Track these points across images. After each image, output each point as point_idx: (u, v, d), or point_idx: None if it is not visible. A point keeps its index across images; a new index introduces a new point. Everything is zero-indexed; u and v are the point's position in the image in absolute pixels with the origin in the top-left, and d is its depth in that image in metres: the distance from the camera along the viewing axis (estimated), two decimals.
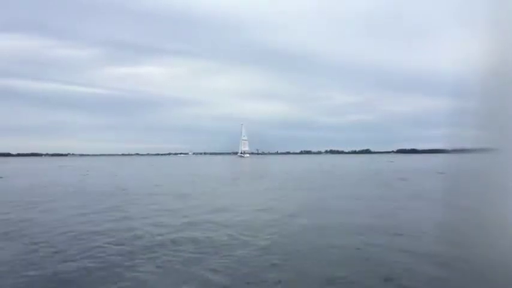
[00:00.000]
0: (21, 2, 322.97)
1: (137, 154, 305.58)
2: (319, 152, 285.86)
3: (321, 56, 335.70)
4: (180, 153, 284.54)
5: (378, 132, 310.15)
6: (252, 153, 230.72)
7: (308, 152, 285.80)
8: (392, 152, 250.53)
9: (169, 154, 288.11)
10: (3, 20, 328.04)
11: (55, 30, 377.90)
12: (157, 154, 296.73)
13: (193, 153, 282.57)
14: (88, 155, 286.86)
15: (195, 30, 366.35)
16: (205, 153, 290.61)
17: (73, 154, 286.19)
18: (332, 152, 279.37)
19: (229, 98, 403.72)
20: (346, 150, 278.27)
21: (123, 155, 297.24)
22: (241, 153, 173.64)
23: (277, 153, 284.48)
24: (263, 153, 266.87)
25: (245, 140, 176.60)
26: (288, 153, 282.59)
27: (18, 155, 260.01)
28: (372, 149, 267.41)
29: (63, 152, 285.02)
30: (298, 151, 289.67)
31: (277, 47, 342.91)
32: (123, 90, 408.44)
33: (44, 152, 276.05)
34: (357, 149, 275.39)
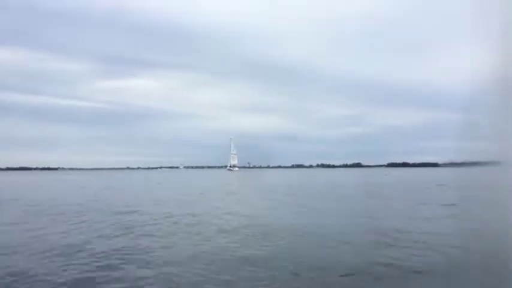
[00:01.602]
0: (11, 15, 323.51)
1: (128, 168, 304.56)
2: (311, 166, 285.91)
3: (314, 70, 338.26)
4: (171, 167, 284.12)
5: (369, 146, 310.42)
6: (244, 167, 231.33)
7: (300, 166, 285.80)
8: (384, 165, 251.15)
9: (160, 168, 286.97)
10: None
11: (46, 43, 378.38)
12: (149, 168, 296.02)
13: (184, 167, 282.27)
14: (79, 169, 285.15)
15: (187, 43, 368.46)
16: (196, 167, 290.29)
17: (63, 168, 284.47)
18: (323, 165, 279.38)
19: (221, 111, 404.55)
20: (338, 164, 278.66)
21: (113, 168, 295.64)
22: (230, 167, 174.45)
23: (268, 166, 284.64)
24: (254, 167, 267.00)
25: (234, 154, 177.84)
26: (280, 166, 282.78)
27: (8, 168, 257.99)
28: (363, 163, 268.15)
29: (53, 166, 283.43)
30: (289, 165, 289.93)
31: (270, 60, 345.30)
32: (114, 103, 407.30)
33: (34, 166, 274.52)
34: (348, 163, 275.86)
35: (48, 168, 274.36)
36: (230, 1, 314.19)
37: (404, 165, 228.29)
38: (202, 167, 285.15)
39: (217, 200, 29.32)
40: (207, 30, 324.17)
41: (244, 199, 31.78)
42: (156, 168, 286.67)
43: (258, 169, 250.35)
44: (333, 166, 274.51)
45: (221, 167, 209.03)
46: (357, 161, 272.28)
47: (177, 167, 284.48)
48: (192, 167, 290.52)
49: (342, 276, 9.02)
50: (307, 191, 41.28)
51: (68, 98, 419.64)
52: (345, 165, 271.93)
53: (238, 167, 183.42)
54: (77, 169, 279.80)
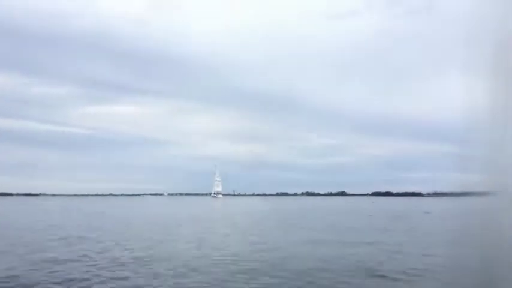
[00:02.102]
0: None
1: (111, 194, 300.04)
2: (296, 194, 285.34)
3: (299, 99, 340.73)
4: (156, 194, 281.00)
5: (353, 175, 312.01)
6: (229, 194, 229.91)
7: (284, 194, 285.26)
8: (368, 194, 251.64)
9: (144, 194, 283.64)
10: None
11: (29, 68, 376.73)
12: (133, 194, 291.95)
13: (168, 194, 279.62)
14: (61, 195, 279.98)
15: (172, 70, 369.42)
16: (180, 194, 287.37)
17: (45, 194, 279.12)
18: (308, 193, 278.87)
19: (205, 138, 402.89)
20: (322, 192, 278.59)
21: (96, 195, 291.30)
22: (214, 193, 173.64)
23: (253, 194, 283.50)
24: (239, 195, 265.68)
25: (218, 180, 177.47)
26: (265, 194, 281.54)
27: None
28: (348, 191, 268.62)
29: (35, 192, 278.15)
30: (274, 192, 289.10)
31: (255, 89, 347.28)
32: (98, 129, 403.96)
33: (15, 192, 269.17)
34: (333, 191, 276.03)
35: (30, 194, 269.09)
36: (217, 30, 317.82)
37: (388, 194, 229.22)
38: (187, 194, 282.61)
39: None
40: (193, 59, 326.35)
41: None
42: (139, 195, 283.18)
43: (243, 196, 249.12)
44: (318, 194, 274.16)
45: (206, 194, 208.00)
46: (341, 190, 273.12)
47: (161, 194, 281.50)
48: (176, 194, 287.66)
49: None
50: (272, 220, 41.37)
51: (51, 123, 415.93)
52: (330, 194, 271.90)
53: (223, 194, 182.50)
54: (59, 195, 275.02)
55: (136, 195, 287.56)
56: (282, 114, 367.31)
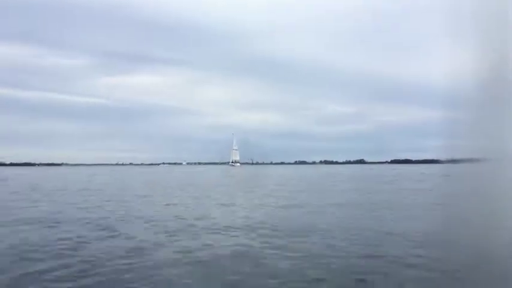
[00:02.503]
0: (11, 11, 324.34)
1: (131, 164, 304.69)
2: (314, 162, 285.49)
3: (316, 66, 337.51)
4: (175, 163, 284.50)
5: (372, 143, 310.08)
6: (247, 163, 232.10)
7: (303, 162, 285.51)
8: (387, 162, 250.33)
9: (163, 164, 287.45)
10: None
11: (47, 39, 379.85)
12: (151, 164, 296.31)
13: (187, 163, 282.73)
14: (82, 164, 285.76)
15: (189, 39, 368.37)
16: (199, 163, 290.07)
17: (67, 164, 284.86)
18: (326, 162, 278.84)
19: (223, 107, 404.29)
20: (341, 161, 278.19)
21: (117, 164, 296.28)
22: (232, 162, 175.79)
23: (271, 163, 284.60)
24: (257, 163, 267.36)
25: (236, 149, 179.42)
26: (283, 163, 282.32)
27: (11, 164, 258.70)
28: (366, 159, 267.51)
29: (57, 162, 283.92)
30: (292, 161, 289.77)
31: (272, 58, 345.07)
32: (117, 99, 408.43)
33: (37, 162, 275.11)
34: (352, 159, 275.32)
35: (52, 164, 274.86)
36: None
37: (407, 161, 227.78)
38: (206, 163, 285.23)
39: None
40: (210, 26, 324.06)
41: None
42: (158, 164, 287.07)
43: (261, 165, 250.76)
44: (336, 163, 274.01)
45: (224, 163, 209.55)
46: (360, 158, 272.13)
47: (180, 163, 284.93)
48: (195, 163, 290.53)
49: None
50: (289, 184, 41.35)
51: (69, 93, 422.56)
52: (348, 162, 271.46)
53: (241, 163, 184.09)
54: (80, 165, 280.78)
55: (155, 164, 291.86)
56: (300, 82, 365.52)
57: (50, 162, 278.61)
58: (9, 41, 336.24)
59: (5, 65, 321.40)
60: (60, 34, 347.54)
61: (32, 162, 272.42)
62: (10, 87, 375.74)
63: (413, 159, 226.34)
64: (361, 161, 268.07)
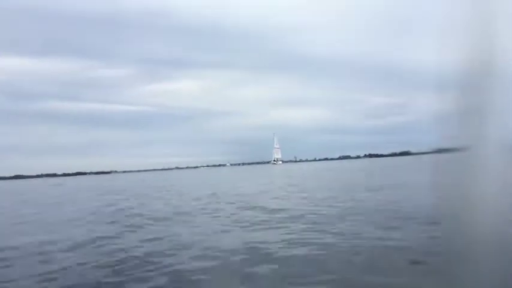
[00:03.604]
0: (57, 25, 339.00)
1: (176, 168, 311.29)
2: (358, 157, 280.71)
3: (352, 59, 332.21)
4: (219, 165, 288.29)
5: (417, 133, 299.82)
6: (290, 161, 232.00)
7: (347, 157, 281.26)
8: (432, 152, 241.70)
9: (207, 166, 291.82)
10: (42, 44, 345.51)
11: (93, 52, 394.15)
12: (196, 167, 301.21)
13: (231, 164, 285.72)
14: (130, 171, 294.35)
15: (225, 41, 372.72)
16: (243, 164, 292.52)
17: (116, 171, 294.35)
18: (371, 155, 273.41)
19: (263, 107, 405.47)
20: (386, 153, 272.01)
21: (163, 169, 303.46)
22: (274, 161, 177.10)
23: (315, 159, 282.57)
24: (301, 161, 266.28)
25: (277, 148, 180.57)
26: (326, 159, 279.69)
27: (64, 174, 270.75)
28: (412, 150, 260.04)
29: (106, 170, 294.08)
30: (336, 156, 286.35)
31: (308, 53, 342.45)
32: (160, 105, 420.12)
33: (88, 171, 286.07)
34: (397, 151, 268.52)
35: (102, 172, 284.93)
36: None
37: (449, 150, 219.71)
38: (249, 163, 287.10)
39: None
40: (243, 27, 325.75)
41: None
42: (201, 166, 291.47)
43: (304, 162, 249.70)
44: (381, 155, 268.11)
45: (267, 162, 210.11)
46: (405, 150, 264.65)
47: (224, 165, 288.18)
48: (238, 164, 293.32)
49: None
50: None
51: (114, 103, 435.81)
52: (394, 154, 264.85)
53: (283, 161, 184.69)
54: (128, 171, 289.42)
55: (200, 167, 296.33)
56: (337, 77, 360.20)
57: (100, 170, 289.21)
58: (57, 56, 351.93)
59: (56, 79, 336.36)
60: (105, 46, 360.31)
61: (83, 171, 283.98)
62: (59, 101, 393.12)
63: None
64: (406, 153, 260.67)
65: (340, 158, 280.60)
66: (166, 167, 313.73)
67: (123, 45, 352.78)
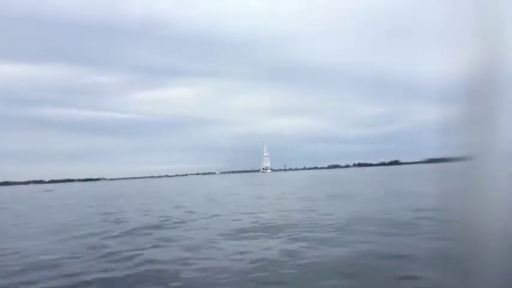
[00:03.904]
0: (52, 32, 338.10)
1: (166, 176, 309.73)
2: (347, 166, 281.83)
3: (342, 69, 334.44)
4: (209, 173, 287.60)
5: (406, 143, 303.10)
6: (280, 170, 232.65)
7: (336, 166, 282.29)
8: (422, 162, 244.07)
9: (197, 174, 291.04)
10: (36, 50, 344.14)
11: (85, 58, 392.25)
12: (186, 174, 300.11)
13: (220, 172, 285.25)
14: (119, 178, 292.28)
15: (219, 50, 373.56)
16: (232, 172, 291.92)
17: (104, 178, 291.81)
18: (360, 165, 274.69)
19: (253, 115, 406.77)
20: (375, 163, 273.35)
21: (152, 177, 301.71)
22: (263, 169, 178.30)
23: (304, 168, 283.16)
24: (290, 169, 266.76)
25: (267, 156, 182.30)
26: (316, 168, 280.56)
27: (51, 181, 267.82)
28: (401, 160, 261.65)
29: (95, 177, 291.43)
30: (326, 165, 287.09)
31: (299, 62, 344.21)
32: (151, 113, 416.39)
33: (76, 178, 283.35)
34: (386, 161, 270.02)
35: (90, 179, 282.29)
36: (255, 5, 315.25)
37: (442, 160, 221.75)
38: (238, 171, 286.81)
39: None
40: (235, 36, 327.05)
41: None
42: (191, 174, 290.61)
43: (294, 171, 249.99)
44: (370, 165, 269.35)
45: (256, 170, 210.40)
46: (394, 159, 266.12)
47: (214, 173, 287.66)
48: (228, 172, 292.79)
49: None
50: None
51: (104, 110, 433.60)
52: (383, 164, 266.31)
53: (273, 170, 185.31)
54: (117, 179, 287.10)
55: (190, 174, 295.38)
56: (328, 86, 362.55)
57: (88, 177, 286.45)
58: (50, 62, 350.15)
59: (47, 85, 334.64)
60: (97, 53, 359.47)
61: (71, 178, 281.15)
62: (50, 107, 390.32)
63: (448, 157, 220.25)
64: (395, 162, 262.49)
65: (329, 167, 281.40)
66: (155, 175, 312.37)
67: (115, 52, 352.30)
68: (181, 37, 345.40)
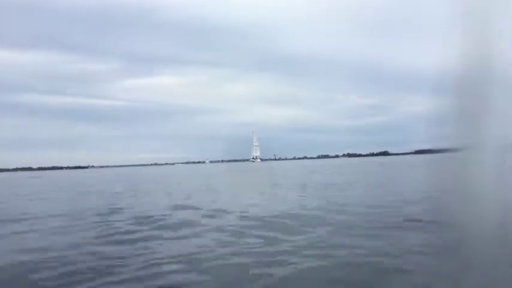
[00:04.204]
0: (41, 18, 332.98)
1: (155, 164, 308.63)
2: (337, 156, 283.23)
3: (333, 59, 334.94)
4: (198, 162, 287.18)
5: (395, 134, 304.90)
6: (269, 159, 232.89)
7: (325, 156, 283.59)
8: (411, 153, 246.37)
9: (186, 163, 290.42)
10: (24, 36, 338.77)
11: (74, 45, 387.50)
12: (176, 163, 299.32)
13: (210, 162, 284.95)
14: (108, 166, 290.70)
15: (210, 39, 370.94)
16: (222, 161, 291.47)
17: (93, 166, 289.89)
18: (350, 155, 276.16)
19: (244, 105, 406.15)
20: (364, 153, 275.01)
21: (141, 165, 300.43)
22: (252, 158, 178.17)
23: (294, 158, 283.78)
24: (280, 159, 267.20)
25: (256, 145, 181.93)
26: (305, 157, 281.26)
27: (39, 168, 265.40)
28: (390, 151, 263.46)
29: (83, 165, 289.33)
30: (315, 155, 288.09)
31: (290, 52, 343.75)
32: (141, 101, 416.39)
33: (65, 165, 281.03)
34: (375, 151, 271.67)
35: (79, 167, 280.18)
36: None
37: (430, 151, 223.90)
38: (228, 161, 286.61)
39: None
40: (227, 25, 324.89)
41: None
42: (179, 163, 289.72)
43: (284, 160, 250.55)
44: (360, 155, 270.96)
45: (246, 160, 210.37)
46: (383, 150, 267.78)
47: (203, 162, 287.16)
48: (218, 161, 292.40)
49: None
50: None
51: (94, 97, 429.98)
52: (372, 154, 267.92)
53: (262, 159, 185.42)
54: (106, 166, 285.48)
55: (177, 163, 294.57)
56: (320, 76, 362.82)
57: (77, 165, 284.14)
58: (40, 49, 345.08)
59: (36, 71, 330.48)
60: (89, 40, 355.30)
61: (59, 165, 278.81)
62: (38, 94, 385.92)
63: (436, 148, 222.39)
64: (384, 153, 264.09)
65: (319, 157, 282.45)
66: (144, 163, 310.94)
67: (107, 39, 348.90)
68: (173, 24, 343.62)
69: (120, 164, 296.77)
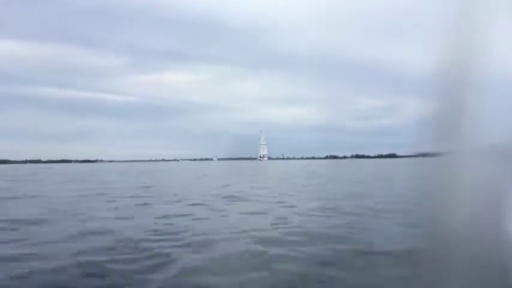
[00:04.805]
0: (50, 11, 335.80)
1: (163, 160, 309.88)
2: (345, 157, 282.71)
3: (343, 60, 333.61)
4: (207, 159, 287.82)
5: (403, 136, 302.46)
6: (278, 158, 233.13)
7: (334, 157, 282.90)
8: (418, 156, 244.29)
9: (194, 160, 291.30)
10: (33, 29, 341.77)
11: (84, 39, 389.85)
12: (183, 159, 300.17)
13: (218, 159, 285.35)
14: (117, 161, 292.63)
15: (220, 36, 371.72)
16: (230, 159, 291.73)
17: (101, 160, 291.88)
18: (358, 156, 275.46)
19: (253, 103, 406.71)
20: (372, 155, 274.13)
21: (150, 160, 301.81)
22: (260, 157, 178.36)
23: (302, 158, 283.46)
24: (288, 158, 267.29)
25: (264, 144, 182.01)
26: (313, 158, 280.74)
27: (48, 161, 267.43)
28: (398, 153, 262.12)
29: (92, 159, 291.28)
30: (323, 156, 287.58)
31: (300, 51, 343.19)
32: (150, 97, 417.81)
33: (74, 159, 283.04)
34: (383, 153, 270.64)
35: (88, 161, 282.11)
36: None
37: (431, 155, 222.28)
38: (236, 159, 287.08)
39: None
40: (238, 23, 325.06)
41: None
42: (190, 160, 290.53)
43: (292, 160, 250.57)
44: (368, 157, 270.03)
45: (253, 158, 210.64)
46: (392, 152, 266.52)
47: (211, 159, 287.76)
48: (225, 159, 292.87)
49: None
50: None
51: (104, 92, 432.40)
52: (380, 156, 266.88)
53: (269, 158, 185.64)
54: (115, 161, 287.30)
55: (186, 160, 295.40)
56: (331, 77, 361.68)
57: (85, 159, 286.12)
58: (51, 42, 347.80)
59: (44, 65, 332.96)
60: (98, 34, 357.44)
61: (68, 159, 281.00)
62: (47, 87, 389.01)
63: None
64: (392, 155, 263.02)
65: (327, 158, 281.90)
66: (153, 159, 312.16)
67: (116, 34, 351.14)
68: (181, 20, 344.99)
69: (128, 159, 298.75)
